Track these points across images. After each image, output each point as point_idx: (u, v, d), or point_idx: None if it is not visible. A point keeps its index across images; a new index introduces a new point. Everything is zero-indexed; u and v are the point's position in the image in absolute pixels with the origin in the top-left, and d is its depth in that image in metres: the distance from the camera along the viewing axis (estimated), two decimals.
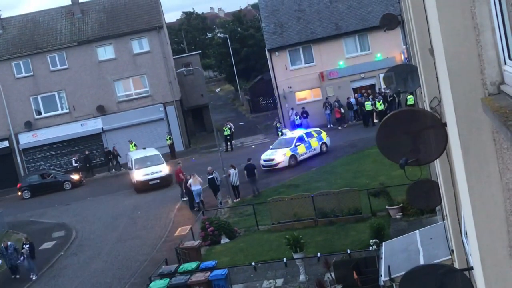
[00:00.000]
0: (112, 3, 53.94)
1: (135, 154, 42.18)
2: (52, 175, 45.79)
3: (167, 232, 29.42)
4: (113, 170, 47.80)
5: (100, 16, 52.69)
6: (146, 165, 39.57)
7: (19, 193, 44.24)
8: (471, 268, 6.19)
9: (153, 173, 38.83)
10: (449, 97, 4.20)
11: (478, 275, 4.68)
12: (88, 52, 50.52)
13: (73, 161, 48.46)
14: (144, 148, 43.06)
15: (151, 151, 41.62)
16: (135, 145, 47.11)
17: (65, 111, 50.66)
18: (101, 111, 50.32)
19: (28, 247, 26.35)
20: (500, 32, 3.62)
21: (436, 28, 4.27)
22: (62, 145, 50.55)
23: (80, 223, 33.94)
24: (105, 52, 50.98)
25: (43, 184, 44.47)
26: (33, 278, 26.21)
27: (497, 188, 4.02)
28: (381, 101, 44.33)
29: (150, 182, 38.45)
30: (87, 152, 48.88)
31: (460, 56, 4.00)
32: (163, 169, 39.37)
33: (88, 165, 48.21)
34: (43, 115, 50.46)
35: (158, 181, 38.67)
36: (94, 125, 50.35)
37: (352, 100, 47.87)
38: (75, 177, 45.21)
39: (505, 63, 3.64)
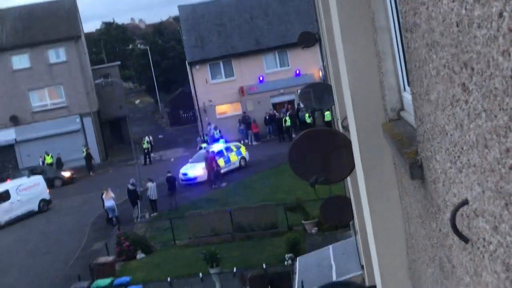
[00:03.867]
0: (29, 11, 52.39)
1: None
2: (44, 171, 41.87)
3: (81, 247, 28.65)
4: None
5: (16, 24, 51.04)
6: None
7: None
8: (374, 286, 6.33)
9: None
10: (352, 121, 4.28)
11: None
12: (2, 60, 48.76)
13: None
14: (28, 177, 37.59)
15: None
16: (51, 157, 45.68)
17: None
18: (15, 121, 48.61)
19: None
20: (400, 60, 3.73)
21: (340, 53, 4.34)
22: None
23: None
24: (20, 61, 49.30)
25: None
26: None
27: (396, 211, 4.12)
28: (309, 114, 44.26)
29: None
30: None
31: (362, 82, 4.08)
32: None
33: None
34: None
35: None
36: (7, 136, 48.51)
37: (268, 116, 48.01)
38: (67, 174, 43.05)
39: (405, 90, 3.75)
